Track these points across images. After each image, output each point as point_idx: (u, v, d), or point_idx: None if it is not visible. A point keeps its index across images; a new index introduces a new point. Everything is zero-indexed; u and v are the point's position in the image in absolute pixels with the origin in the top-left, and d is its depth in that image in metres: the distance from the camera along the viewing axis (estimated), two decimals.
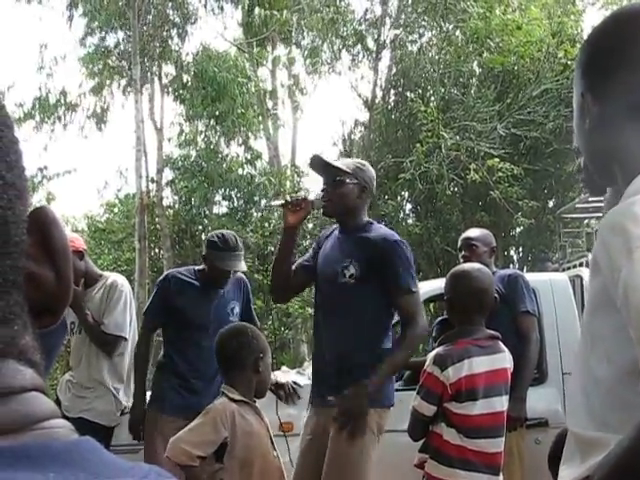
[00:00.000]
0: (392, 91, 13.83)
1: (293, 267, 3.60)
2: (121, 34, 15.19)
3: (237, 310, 4.17)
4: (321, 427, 3.36)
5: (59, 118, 15.43)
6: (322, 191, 3.49)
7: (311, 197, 3.51)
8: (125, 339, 4.25)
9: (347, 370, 3.27)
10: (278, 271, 3.56)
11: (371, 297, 3.33)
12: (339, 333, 3.35)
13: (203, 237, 14.43)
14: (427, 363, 3.09)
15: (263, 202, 14.72)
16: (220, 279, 4.12)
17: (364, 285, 3.32)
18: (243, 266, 4.09)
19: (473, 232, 4.56)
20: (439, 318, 4.58)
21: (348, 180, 3.43)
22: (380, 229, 3.50)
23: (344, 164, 3.51)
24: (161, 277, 4.49)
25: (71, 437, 0.50)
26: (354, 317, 3.32)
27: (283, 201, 3.43)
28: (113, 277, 4.35)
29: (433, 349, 3.32)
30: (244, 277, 4.39)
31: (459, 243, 4.54)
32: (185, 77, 15.22)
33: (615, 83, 1.34)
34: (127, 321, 4.27)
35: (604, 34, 1.39)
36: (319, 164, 3.51)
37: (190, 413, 3.60)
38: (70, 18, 14.81)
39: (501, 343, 3.17)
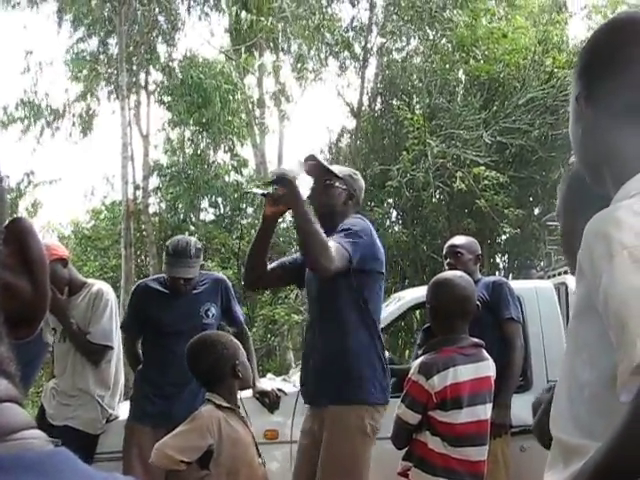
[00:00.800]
0: (379, 98, 13.83)
1: (274, 264, 3.60)
2: (108, 40, 15.18)
3: (214, 311, 4.14)
4: (315, 430, 3.37)
5: (47, 123, 15.40)
6: (310, 189, 3.51)
7: None
8: (111, 348, 4.24)
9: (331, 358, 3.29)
10: (252, 258, 3.52)
11: (350, 291, 3.33)
12: (321, 327, 3.40)
13: None
14: (412, 371, 3.08)
15: (250, 210, 14.74)
16: (174, 286, 4.12)
17: (344, 281, 3.30)
18: (188, 273, 4.03)
19: (458, 239, 4.58)
20: (424, 326, 4.58)
21: (338, 184, 3.47)
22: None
23: (337, 169, 3.57)
24: (132, 288, 4.49)
25: (45, 448, 0.50)
26: (334, 310, 3.36)
27: (265, 192, 3.41)
28: (98, 285, 4.34)
29: (417, 357, 3.32)
30: (222, 277, 4.39)
31: (444, 250, 4.55)
32: (171, 84, 15.22)
33: (607, 87, 1.36)
34: (113, 330, 4.27)
35: (598, 39, 1.41)
36: (312, 164, 3.52)
37: (165, 421, 3.63)
38: (59, 23, 14.80)
39: (484, 351, 3.18)
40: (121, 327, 4.31)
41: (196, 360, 3.11)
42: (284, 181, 3.23)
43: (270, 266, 3.58)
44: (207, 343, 3.13)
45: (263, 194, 3.40)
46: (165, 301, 4.15)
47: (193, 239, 4.22)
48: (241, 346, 3.18)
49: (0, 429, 0.48)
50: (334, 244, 3.19)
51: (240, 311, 4.36)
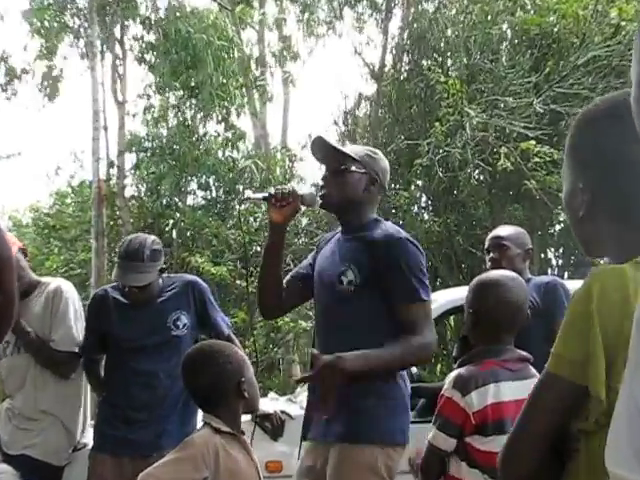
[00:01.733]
0: (405, 58, 13.80)
1: (287, 277, 3.64)
2: None
3: (185, 321, 4.17)
4: (317, 470, 3.36)
5: (2, 87, 15.40)
6: (322, 179, 3.54)
7: (301, 191, 3.52)
8: (80, 356, 4.27)
9: (343, 392, 3.26)
10: (265, 280, 3.59)
11: (374, 308, 3.34)
12: (334, 344, 3.36)
13: (174, 235, 14.43)
14: (445, 386, 3.07)
15: (247, 192, 14.68)
16: (130, 295, 4.16)
17: (364, 293, 3.34)
18: (140, 280, 4.08)
19: (504, 230, 4.58)
20: (461, 335, 4.60)
21: (354, 168, 3.47)
22: (384, 226, 3.52)
23: (352, 150, 3.56)
24: (89, 300, 4.51)
25: None
26: (354, 331, 3.34)
27: (266, 194, 3.44)
28: (55, 283, 4.34)
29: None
30: (194, 279, 4.42)
31: (486, 243, 4.54)
32: (154, 39, 15.20)
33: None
34: (79, 333, 4.29)
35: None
36: (321, 147, 3.53)
37: (128, 449, 3.64)
38: None
39: (532, 367, 3.16)
40: (81, 350, 4.31)
41: (194, 375, 3.11)
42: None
43: (285, 281, 3.62)
44: (207, 354, 3.12)
45: (265, 197, 3.44)
46: (125, 313, 4.18)
47: (150, 238, 4.23)
48: (247, 360, 3.19)
49: None
50: (414, 319, 3.29)
51: (222, 317, 4.36)
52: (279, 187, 3.43)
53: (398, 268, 3.31)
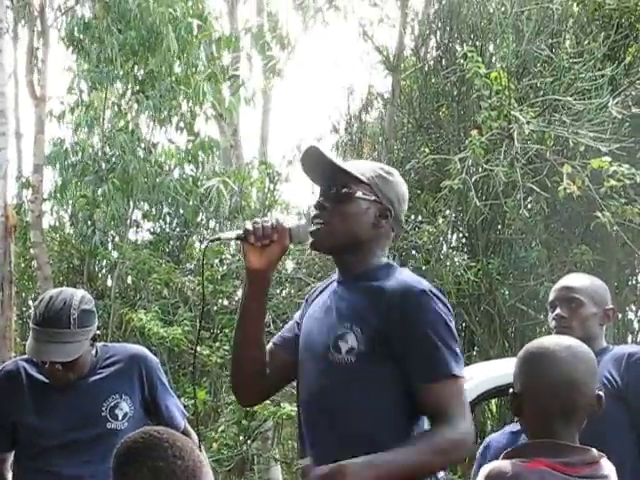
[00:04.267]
0: (432, 42, 13.89)
1: (269, 345, 3.63)
2: None
3: (126, 409, 4.21)
4: None
5: None
6: (316, 207, 3.50)
7: (289, 224, 3.48)
8: None
9: None
10: (241, 351, 3.58)
11: (384, 385, 3.30)
12: (329, 442, 3.34)
13: (109, 282, 14.35)
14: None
15: (212, 223, 14.64)
16: (50, 373, 4.17)
17: (371, 366, 3.29)
18: (65, 354, 4.09)
19: (577, 279, 4.65)
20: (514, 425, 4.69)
21: (361, 194, 3.44)
22: (399, 273, 3.47)
23: (357, 168, 3.51)
24: None
25: None
26: (356, 420, 3.30)
27: (241, 231, 3.41)
28: None
29: None
30: (141, 352, 4.44)
31: (551, 295, 4.61)
32: (87, 13, 15.20)
33: None
34: None
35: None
36: (316, 162, 3.49)
37: None
38: None
39: (605, 465, 3.09)
40: None
41: (123, 473, 2.97)
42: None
43: (267, 351, 3.61)
44: (137, 450, 2.98)
45: (239, 236, 3.42)
46: (43, 397, 4.20)
47: (78, 295, 4.22)
48: (207, 464, 3.05)
49: None
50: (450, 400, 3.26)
51: (176, 404, 4.42)
52: (259, 220, 3.40)
53: (420, 333, 3.27)
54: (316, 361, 3.43)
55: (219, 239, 3.85)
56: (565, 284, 4.57)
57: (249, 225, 3.40)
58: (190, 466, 2.91)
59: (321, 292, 3.65)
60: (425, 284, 3.37)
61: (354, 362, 3.29)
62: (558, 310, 4.45)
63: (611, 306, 4.60)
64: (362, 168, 3.53)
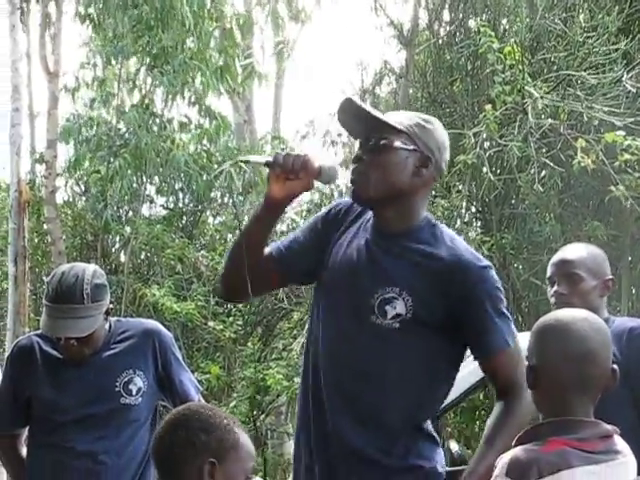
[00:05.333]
0: (445, 16, 13.90)
1: (277, 246, 3.64)
2: None
3: (139, 384, 4.21)
4: None
5: None
6: (354, 160, 3.50)
7: (321, 162, 3.46)
8: None
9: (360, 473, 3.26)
10: (240, 245, 3.53)
11: (422, 357, 3.34)
12: (360, 408, 3.35)
13: (123, 257, 14.36)
14: (495, 473, 3.02)
15: (225, 199, 14.62)
16: (63, 349, 4.17)
17: (415, 336, 3.31)
18: (78, 330, 4.08)
19: (574, 251, 4.61)
20: None
21: (399, 143, 3.42)
22: (454, 241, 3.48)
23: (394, 118, 3.50)
24: (9, 351, 4.55)
25: None
26: (388, 386, 3.33)
27: (269, 158, 3.40)
28: None
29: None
30: (155, 327, 4.43)
31: (549, 270, 4.59)
32: None
33: None
34: None
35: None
36: (353, 113, 3.47)
37: None
38: None
39: (619, 441, 3.09)
40: None
41: (156, 451, 3.04)
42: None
43: (270, 249, 3.60)
44: (172, 422, 3.03)
45: (267, 163, 3.40)
46: (58, 373, 4.21)
47: (90, 269, 4.22)
48: (239, 428, 3.04)
49: None
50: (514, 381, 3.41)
51: (190, 379, 4.41)
52: (291, 153, 3.39)
53: (482, 310, 3.35)
54: (354, 320, 3.40)
55: (248, 161, 3.77)
56: (563, 257, 4.54)
57: (280, 156, 3.37)
58: (213, 438, 2.93)
59: (353, 222, 3.61)
60: (482, 259, 3.43)
61: (398, 329, 3.30)
62: (557, 287, 4.43)
63: (610, 276, 4.56)
64: (400, 118, 3.52)
